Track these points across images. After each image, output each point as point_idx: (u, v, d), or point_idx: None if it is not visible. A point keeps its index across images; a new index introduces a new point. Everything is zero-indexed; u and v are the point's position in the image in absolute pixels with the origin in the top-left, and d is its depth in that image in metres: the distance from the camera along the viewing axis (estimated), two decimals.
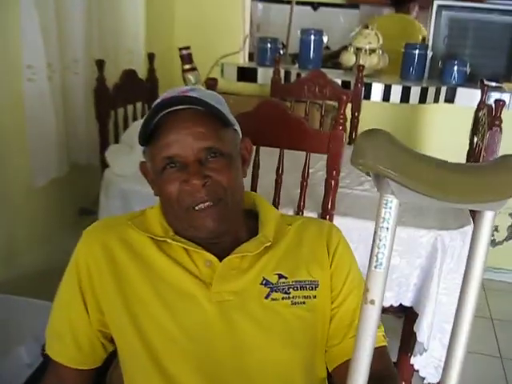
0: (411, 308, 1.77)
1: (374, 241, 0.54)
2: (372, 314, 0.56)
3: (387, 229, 0.54)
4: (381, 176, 0.52)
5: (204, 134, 0.95)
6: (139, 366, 0.97)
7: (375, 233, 0.54)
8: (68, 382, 1.03)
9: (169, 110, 0.96)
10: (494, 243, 3.39)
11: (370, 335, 0.57)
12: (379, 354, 0.99)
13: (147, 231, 1.02)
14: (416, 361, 1.80)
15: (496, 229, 3.36)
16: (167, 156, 0.95)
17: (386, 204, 0.54)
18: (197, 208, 0.96)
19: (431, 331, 1.71)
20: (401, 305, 1.78)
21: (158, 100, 1.01)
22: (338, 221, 1.69)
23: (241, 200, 1.04)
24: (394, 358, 1.95)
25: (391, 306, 1.77)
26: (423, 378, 1.88)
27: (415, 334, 1.71)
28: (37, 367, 1.73)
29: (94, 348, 1.03)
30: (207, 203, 0.95)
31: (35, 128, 2.13)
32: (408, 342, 1.82)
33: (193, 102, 0.96)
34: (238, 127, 1.05)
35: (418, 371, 1.84)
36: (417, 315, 1.72)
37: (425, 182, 0.52)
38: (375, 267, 0.54)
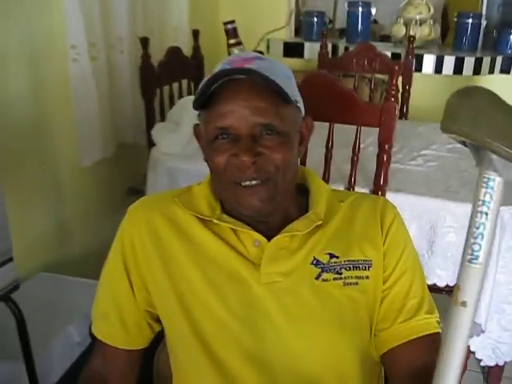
0: None
1: (469, 228, 0.46)
2: (463, 319, 0.46)
3: (486, 214, 0.45)
4: (481, 147, 0.43)
5: (263, 110, 0.88)
6: (186, 347, 0.95)
7: (471, 218, 0.45)
8: (114, 362, 1.02)
9: (230, 77, 0.89)
10: None
11: (460, 345, 0.47)
12: (431, 341, 0.93)
13: (193, 209, 0.98)
14: (472, 342, 1.73)
15: None
16: (220, 126, 0.90)
17: (485, 183, 0.44)
18: (243, 184, 0.91)
19: (489, 312, 1.64)
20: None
21: (221, 66, 0.94)
22: (390, 197, 1.63)
23: (292, 180, 0.97)
24: None
25: (447, 286, 1.70)
26: (480, 360, 1.82)
27: None
28: (88, 345, 1.75)
29: (140, 328, 1.01)
30: (254, 181, 0.90)
31: (81, 109, 2.14)
32: None
33: (256, 75, 0.89)
34: (301, 104, 0.98)
35: (474, 353, 1.78)
36: None
37: None
38: (469, 261, 0.46)
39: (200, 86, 0.91)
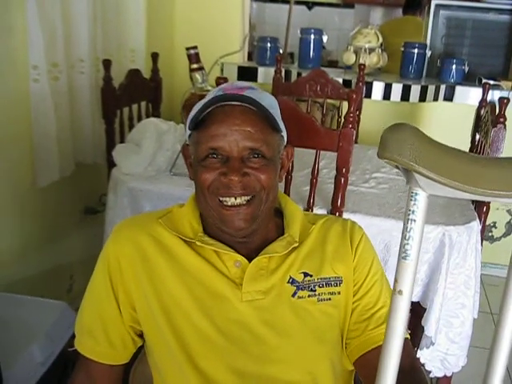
0: (418, 303, 1.80)
1: (402, 232, 0.56)
2: (401, 304, 0.57)
3: (414, 221, 0.55)
4: (408, 169, 0.53)
5: (252, 135, 0.96)
6: (173, 363, 0.99)
7: (404, 225, 0.55)
8: (99, 377, 1.05)
9: (224, 103, 0.97)
10: (492, 239, 3.43)
11: (400, 324, 0.58)
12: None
13: (176, 231, 1.04)
14: (422, 354, 1.82)
15: (494, 225, 3.40)
16: (212, 147, 0.97)
17: (413, 197, 0.55)
18: (228, 204, 0.97)
19: (438, 325, 1.74)
20: None
21: (216, 91, 1.01)
22: (346, 217, 1.72)
23: (273, 202, 1.05)
24: None
25: None
26: (429, 372, 1.91)
27: (422, 328, 1.74)
28: (49, 366, 1.75)
29: (125, 343, 1.04)
30: (241, 198, 0.97)
31: (40, 129, 2.14)
32: (415, 336, 1.85)
33: (250, 102, 0.97)
34: (284, 134, 1.06)
35: (424, 365, 1.87)
36: (423, 309, 1.75)
37: (452, 176, 0.52)
38: (403, 258, 0.56)
39: (195, 108, 0.98)
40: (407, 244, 0.55)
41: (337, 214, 1.70)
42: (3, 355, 1.63)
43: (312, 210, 1.74)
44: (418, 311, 1.81)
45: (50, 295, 2.02)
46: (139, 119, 2.47)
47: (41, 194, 2.28)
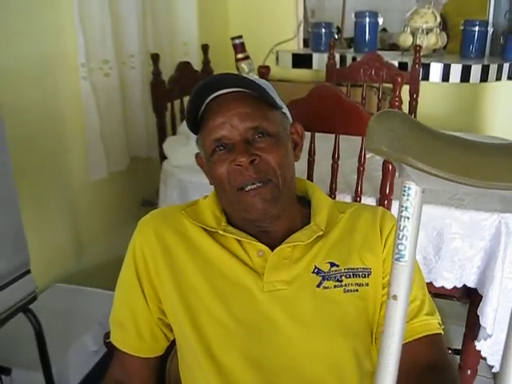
0: (475, 291, 1.72)
1: (396, 231, 0.51)
2: (394, 310, 0.52)
3: (408, 218, 0.50)
4: (398, 161, 0.48)
5: (250, 114, 0.95)
6: (191, 352, 0.99)
7: (397, 222, 0.51)
8: (133, 370, 1.06)
9: (214, 94, 0.97)
10: None
11: (396, 333, 0.53)
12: (432, 342, 0.96)
13: (200, 221, 1.03)
14: (483, 348, 1.75)
15: None
16: (215, 138, 0.96)
17: (405, 192, 0.50)
18: (247, 189, 0.95)
19: (495, 316, 1.66)
20: (465, 286, 1.73)
21: (201, 83, 0.98)
22: (396, 205, 1.66)
23: (292, 183, 1.02)
24: (459, 345, 1.91)
25: (454, 288, 1.72)
26: (491, 367, 1.82)
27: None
28: (104, 354, 1.80)
29: (155, 336, 1.04)
30: (256, 183, 0.95)
31: (93, 124, 2.19)
32: (473, 327, 1.77)
33: (240, 84, 0.96)
34: (286, 111, 1.04)
35: (485, 359, 1.79)
36: (480, 297, 1.67)
37: (445, 166, 0.46)
38: (397, 260, 0.51)
39: (187, 108, 0.98)
40: (401, 244, 0.51)
41: (385, 201, 1.65)
42: (59, 344, 1.70)
43: (360, 199, 1.70)
44: (475, 301, 1.73)
45: (107, 286, 2.08)
46: None
47: (99, 187, 2.35)
